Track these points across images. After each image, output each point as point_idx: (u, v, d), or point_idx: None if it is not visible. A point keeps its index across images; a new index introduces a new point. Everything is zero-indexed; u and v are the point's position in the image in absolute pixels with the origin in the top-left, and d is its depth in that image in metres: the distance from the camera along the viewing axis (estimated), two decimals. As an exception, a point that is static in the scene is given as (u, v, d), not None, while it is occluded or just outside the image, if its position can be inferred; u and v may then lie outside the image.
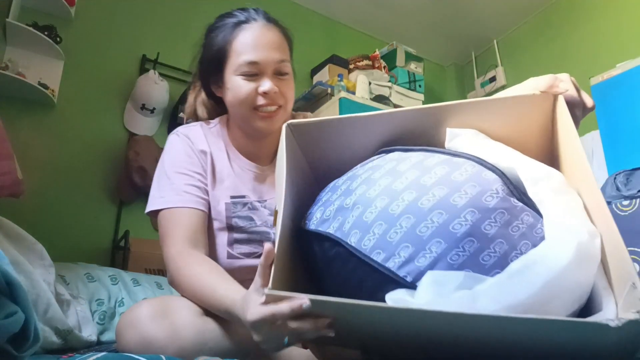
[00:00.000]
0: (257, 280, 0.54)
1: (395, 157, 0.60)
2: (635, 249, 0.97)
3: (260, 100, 0.83)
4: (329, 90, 2.46)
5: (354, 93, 2.53)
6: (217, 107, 0.98)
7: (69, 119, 2.05)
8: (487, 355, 0.50)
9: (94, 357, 0.53)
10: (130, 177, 1.99)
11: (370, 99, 2.61)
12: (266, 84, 0.82)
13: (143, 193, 2.06)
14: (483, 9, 3.01)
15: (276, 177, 0.68)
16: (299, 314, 0.46)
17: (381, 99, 2.66)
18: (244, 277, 0.74)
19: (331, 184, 0.64)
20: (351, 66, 2.72)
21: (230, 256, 0.85)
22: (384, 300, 0.50)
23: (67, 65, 2.06)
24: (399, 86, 2.80)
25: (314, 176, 0.72)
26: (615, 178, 1.47)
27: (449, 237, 0.49)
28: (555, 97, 0.59)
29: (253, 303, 0.51)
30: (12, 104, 1.91)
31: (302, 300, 0.45)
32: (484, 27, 3.21)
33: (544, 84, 0.60)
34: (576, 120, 0.59)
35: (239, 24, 0.85)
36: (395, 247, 0.51)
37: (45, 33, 1.94)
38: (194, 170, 0.85)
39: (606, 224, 0.46)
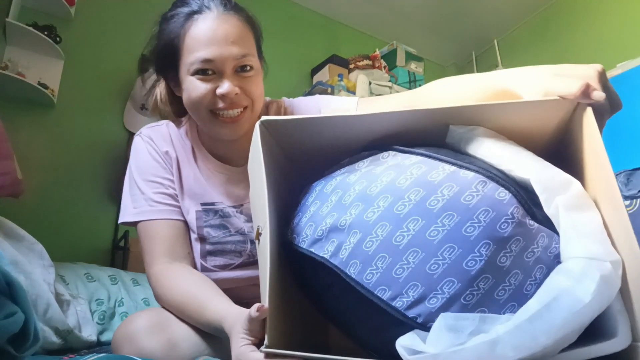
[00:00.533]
0: (247, 334, 0.49)
1: (392, 163, 0.52)
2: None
3: (220, 104, 0.70)
4: (329, 90, 2.46)
5: (354, 93, 2.54)
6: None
7: (68, 119, 2.05)
8: None
9: (94, 357, 0.53)
10: (130, 177, 1.99)
11: (371, 98, 2.61)
12: (224, 86, 0.69)
13: (143, 193, 2.06)
14: (483, 9, 3.01)
15: (251, 187, 0.61)
16: None
17: (381, 98, 2.66)
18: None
19: (318, 188, 0.56)
20: (351, 66, 2.72)
21: (204, 269, 0.78)
22: (389, 342, 0.46)
23: (67, 65, 2.06)
24: (399, 86, 2.80)
25: (296, 172, 0.63)
26: (615, 178, 1.46)
27: (463, 275, 0.45)
28: (580, 103, 0.49)
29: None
30: (12, 104, 1.91)
31: None
32: (484, 27, 3.21)
33: (575, 89, 0.47)
34: (602, 125, 0.50)
35: (191, 14, 0.71)
36: (402, 286, 0.46)
37: (45, 33, 1.94)
38: (163, 177, 0.78)
39: (629, 244, 0.43)
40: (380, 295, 0.47)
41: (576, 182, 0.48)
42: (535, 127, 0.54)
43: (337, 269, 0.49)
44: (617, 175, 1.50)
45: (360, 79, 2.62)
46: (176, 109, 0.85)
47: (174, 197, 0.78)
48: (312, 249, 0.52)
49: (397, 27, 3.19)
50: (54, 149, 1.99)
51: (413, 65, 2.97)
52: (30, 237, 0.98)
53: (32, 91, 1.89)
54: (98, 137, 2.11)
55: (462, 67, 3.66)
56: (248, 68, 0.72)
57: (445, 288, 0.45)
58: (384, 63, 2.82)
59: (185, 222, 0.79)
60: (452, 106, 0.52)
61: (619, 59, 2.07)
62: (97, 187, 2.06)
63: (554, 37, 2.90)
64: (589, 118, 0.49)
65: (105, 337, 1.14)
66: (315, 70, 2.78)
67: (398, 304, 0.46)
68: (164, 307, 0.72)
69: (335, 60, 2.68)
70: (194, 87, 0.70)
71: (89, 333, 1.03)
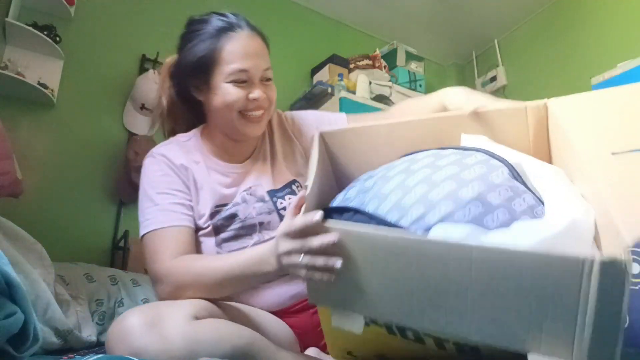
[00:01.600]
0: (286, 217, 0.63)
1: (412, 156, 0.67)
2: (636, 249, 0.97)
3: (249, 106, 0.86)
4: (329, 90, 2.46)
5: (354, 93, 2.53)
6: (188, 114, 0.99)
7: (68, 118, 2.04)
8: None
9: (94, 358, 0.53)
10: (130, 177, 1.98)
11: (371, 98, 2.61)
12: (257, 92, 0.86)
13: (143, 193, 2.06)
14: (484, 8, 3.01)
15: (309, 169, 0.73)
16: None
17: (381, 98, 2.66)
18: None
19: (353, 182, 0.71)
20: (351, 66, 2.72)
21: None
22: None
23: (67, 65, 2.06)
24: (399, 86, 2.79)
25: (337, 183, 0.79)
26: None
27: (457, 200, 0.54)
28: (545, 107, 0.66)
29: (284, 223, 0.62)
30: (12, 104, 1.91)
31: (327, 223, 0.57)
32: (484, 26, 3.21)
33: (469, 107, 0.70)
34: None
35: (224, 30, 0.86)
36: (408, 209, 0.56)
37: (45, 33, 1.94)
38: (175, 189, 0.87)
39: (600, 204, 0.51)
40: (389, 220, 0.57)
41: (560, 169, 0.60)
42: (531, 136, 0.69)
43: (358, 208, 0.61)
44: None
45: (360, 78, 2.62)
46: (185, 116, 1.00)
47: (186, 206, 0.86)
48: (341, 204, 0.65)
49: (397, 27, 3.19)
50: (54, 149, 1.98)
51: (413, 65, 2.97)
52: (30, 237, 0.98)
53: (32, 91, 1.88)
54: (98, 137, 2.11)
55: (462, 66, 3.66)
56: (270, 78, 0.89)
57: (442, 207, 0.54)
58: (384, 63, 2.82)
59: (194, 231, 0.87)
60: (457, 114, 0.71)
61: (619, 59, 2.07)
62: (97, 187, 2.05)
63: (554, 37, 2.90)
64: (552, 114, 0.64)
65: (105, 338, 1.14)
66: (316, 70, 2.77)
67: (403, 222, 0.56)
68: (181, 292, 0.76)
69: (336, 60, 2.68)
70: (229, 93, 0.85)
71: (88, 333, 1.03)
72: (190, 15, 0.95)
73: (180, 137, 0.96)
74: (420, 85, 2.90)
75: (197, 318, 0.68)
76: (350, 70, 2.71)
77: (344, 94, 2.42)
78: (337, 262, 0.56)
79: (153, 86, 2.13)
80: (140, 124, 2.18)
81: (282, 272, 0.67)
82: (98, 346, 1.05)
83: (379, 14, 3.07)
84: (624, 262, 0.41)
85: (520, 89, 3.11)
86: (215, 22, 0.88)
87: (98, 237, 2.00)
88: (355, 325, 0.59)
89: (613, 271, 0.41)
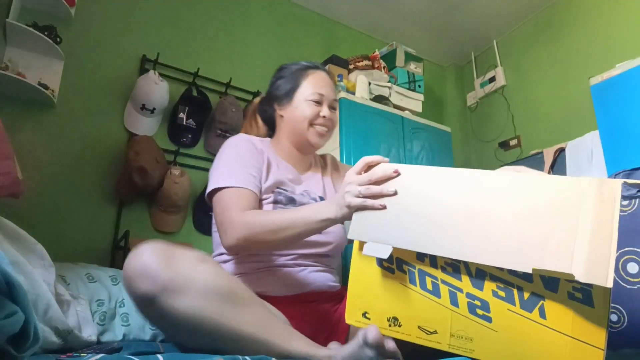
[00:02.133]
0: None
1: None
2: (635, 249, 0.97)
3: (319, 121, 1.14)
4: (329, 91, 2.46)
5: (353, 93, 2.54)
6: (266, 129, 1.29)
7: (68, 119, 2.05)
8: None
9: (94, 358, 0.53)
10: (130, 177, 1.99)
11: (370, 99, 2.62)
12: (326, 110, 1.15)
13: (143, 193, 2.06)
14: (482, 9, 3.01)
15: None
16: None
17: (381, 99, 2.66)
18: None
19: None
20: (351, 66, 2.72)
21: None
22: None
23: (67, 66, 2.07)
24: (398, 86, 2.80)
25: None
26: (614, 178, 1.47)
27: None
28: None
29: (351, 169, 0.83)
30: (12, 104, 1.91)
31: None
32: (483, 27, 3.22)
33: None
34: None
35: (309, 67, 1.20)
36: None
37: (45, 33, 1.94)
38: (254, 165, 1.08)
39: None
40: None
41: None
42: None
43: None
44: (616, 175, 1.51)
45: (359, 79, 2.62)
46: (267, 129, 1.29)
47: (259, 179, 1.07)
48: None
49: (396, 28, 3.19)
50: (54, 149, 1.99)
51: (412, 66, 2.97)
52: (31, 237, 0.98)
53: (32, 91, 1.89)
54: (98, 137, 2.11)
55: (462, 67, 3.66)
56: (335, 108, 1.20)
57: None
58: (383, 63, 2.82)
59: (259, 198, 1.06)
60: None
61: (618, 59, 2.07)
62: (97, 187, 2.06)
63: (553, 38, 2.90)
64: None
65: (105, 338, 1.14)
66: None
67: None
68: (250, 237, 0.92)
69: (335, 60, 2.68)
70: (306, 107, 1.14)
71: (89, 333, 1.03)
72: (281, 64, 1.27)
73: (255, 137, 1.20)
74: (420, 86, 2.90)
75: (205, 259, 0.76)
76: (349, 71, 2.71)
77: (343, 94, 2.43)
78: (392, 190, 0.74)
79: (153, 86, 2.13)
80: (140, 124, 2.18)
81: (341, 216, 0.83)
82: (98, 345, 1.05)
83: (378, 14, 3.07)
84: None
85: (519, 89, 3.12)
86: (301, 64, 1.21)
87: (98, 237, 2.01)
88: (383, 252, 0.71)
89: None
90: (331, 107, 1.17)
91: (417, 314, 0.71)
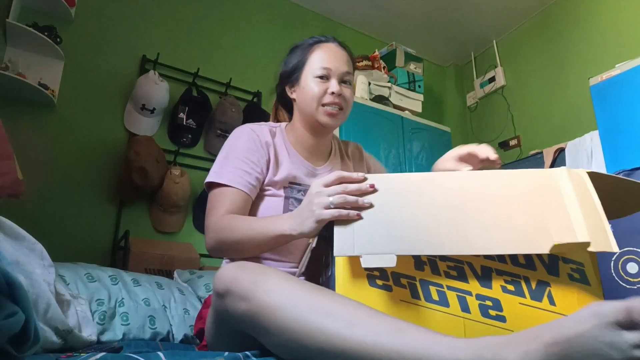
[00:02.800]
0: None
1: None
2: (636, 249, 0.97)
3: (328, 99, 1.01)
4: (329, 91, 2.46)
5: (353, 93, 2.54)
6: (283, 112, 1.20)
7: (69, 119, 2.05)
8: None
9: (93, 357, 0.53)
10: (130, 177, 1.99)
11: (370, 99, 2.62)
12: (334, 86, 1.01)
13: (143, 193, 2.06)
14: (482, 9, 3.01)
15: None
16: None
17: (381, 99, 2.66)
18: None
19: None
20: (351, 66, 2.72)
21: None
22: None
23: (67, 66, 2.07)
24: (398, 86, 2.80)
25: None
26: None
27: None
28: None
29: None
30: (12, 104, 1.91)
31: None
32: (483, 27, 3.22)
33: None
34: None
35: (317, 42, 1.07)
36: None
37: (45, 33, 1.94)
38: (251, 160, 0.98)
39: None
40: None
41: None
42: None
43: None
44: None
45: (359, 79, 2.62)
46: (285, 112, 1.20)
47: (253, 177, 0.97)
48: None
49: (396, 28, 3.19)
50: (54, 149, 1.99)
51: (412, 66, 2.98)
52: (31, 237, 0.98)
53: (33, 92, 1.89)
54: (98, 137, 2.12)
55: (461, 67, 3.66)
56: (348, 82, 1.04)
57: None
58: (383, 64, 2.82)
59: (251, 200, 0.98)
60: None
61: (618, 59, 2.07)
62: (98, 187, 2.06)
63: (553, 38, 2.90)
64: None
65: (105, 337, 1.14)
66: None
67: None
68: (222, 244, 0.87)
69: (335, 60, 2.68)
70: (313, 85, 1.01)
71: (89, 333, 1.03)
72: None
73: (271, 123, 1.12)
74: (420, 86, 2.90)
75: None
76: (349, 71, 2.71)
77: (343, 94, 2.43)
78: (367, 202, 0.66)
79: (153, 87, 2.14)
80: (140, 124, 2.18)
81: (304, 232, 0.73)
82: (98, 344, 1.05)
83: (378, 15, 3.07)
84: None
85: (518, 89, 3.12)
86: (310, 39, 1.08)
87: (99, 237, 2.01)
88: (388, 261, 0.62)
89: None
90: (343, 82, 1.03)
91: None
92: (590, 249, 0.58)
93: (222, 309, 0.69)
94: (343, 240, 0.64)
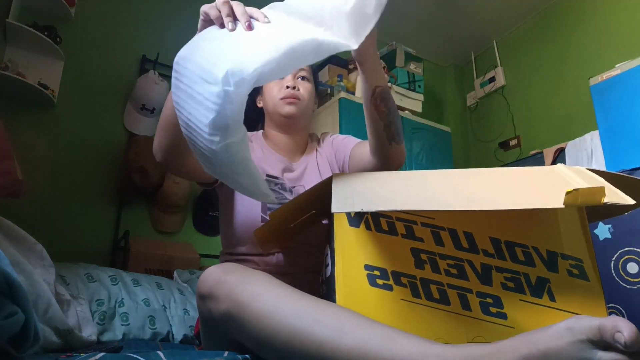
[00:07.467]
0: None
1: None
2: (636, 249, 0.97)
3: (284, 93, 1.07)
4: (329, 91, 2.47)
5: (353, 93, 2.54)
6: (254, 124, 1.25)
7: (68, 119, 2.05)
8: None
9: (93, 358, 0.53)
10: (130, 177, 1.99)
11: (370, 99, 2.61)
12: (289, 80, 1.08)
13: (143, 193, 2.06)
14: (482, 9, 3.01)
15: None
16: None
17: (381, 99, 2.66)
18: None
19: None
20: (351, 66, 2.72)
21: (264, 220, 0.97)
22: None
23: (67, 66, 2.07)
24: (398, 86, 2.80)
25: None
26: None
27: None
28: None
29: None
30: (12, 104, 1.91)
31: None
32: (483, 27, 3.22)
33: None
34: None
35: None
36: None
37: (45, 33, 1.94)
38: None
39: None
40: None
41: None
42: None
43: None
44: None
45: (360, 79, 2.62)
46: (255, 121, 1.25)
47: None
48: None
49: (396, 28, 3.19)
50: (54, 149, 1.99)
51: (412, 66, 2.97)
52: (31, 237, 0.99)
53: (32, 91, 1.89)
54: (98, 137, 2.12)
55: (461, 67, 3.66)
56: (304, 78, 1.11)
57: None
58: (383, 63, 2.82)
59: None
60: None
61: (618, 59, 2.07)
62: (98, 187, 2.06)
63: (553, 38, 2.90)
64: None
65: (105, 337, 1.14)
66: (315, 71, 2.78)
67: None
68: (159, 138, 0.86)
69: (335, 60, 2.68)
70: (274, 86, 1.09)
71: (89, 333, 1.03)
72: None
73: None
74: (420, 86, 2.90)
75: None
76: (349, 71, 2.71)
77: (343, 94, 2.43)
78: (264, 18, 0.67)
79: (154, 87, 2.13)
80: (140, 125, 2.18)
81: None
82: (98, 344, 1.05)
83: (378, 14, 3.07)
84: None
85: (518, 89, 3.12)
86: None
87: (98, 237, 2.01)
88: (394, 205, 0.61)
89: None
90: (298, 77, 1.11)
91: (428, 329, 0.64)
92: (605, 199, 0.55)
93: (206, 311, 0.68)
94: (342, 195, 0.63)
